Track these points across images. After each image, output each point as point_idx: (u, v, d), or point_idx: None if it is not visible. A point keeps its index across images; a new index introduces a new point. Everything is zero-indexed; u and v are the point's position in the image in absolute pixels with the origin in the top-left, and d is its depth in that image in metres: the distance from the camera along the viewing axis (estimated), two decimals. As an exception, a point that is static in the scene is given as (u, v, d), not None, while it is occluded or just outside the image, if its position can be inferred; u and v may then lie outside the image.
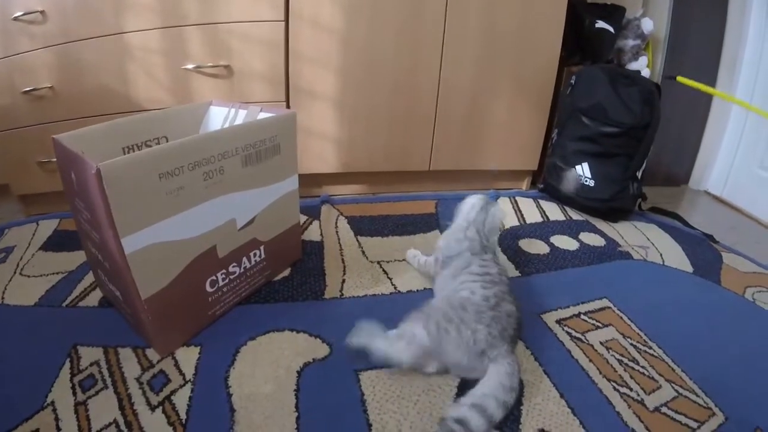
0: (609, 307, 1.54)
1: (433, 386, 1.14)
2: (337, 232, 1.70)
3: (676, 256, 1.96)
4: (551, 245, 1.85)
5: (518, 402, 1.13)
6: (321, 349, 1.21)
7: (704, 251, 2.04)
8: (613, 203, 2.08)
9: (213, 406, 1.03)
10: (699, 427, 1.14)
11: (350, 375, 1.15)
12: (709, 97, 2.65)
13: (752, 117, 2.52)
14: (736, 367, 1.38)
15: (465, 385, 1.14)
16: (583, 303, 1.54)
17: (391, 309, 1.38)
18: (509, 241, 1.85)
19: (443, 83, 2.01)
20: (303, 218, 1.74)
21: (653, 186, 2.66)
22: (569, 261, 1.77)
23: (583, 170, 2.09)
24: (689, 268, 1.87)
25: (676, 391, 1.26)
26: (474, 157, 2.22)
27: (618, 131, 2.00)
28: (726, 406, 1.21)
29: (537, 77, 2.15)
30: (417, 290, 1.48)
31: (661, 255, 1.94)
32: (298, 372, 1.14)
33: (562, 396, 1.17)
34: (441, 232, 1.81)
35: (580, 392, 1.18)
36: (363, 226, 1.78)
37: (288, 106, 1.84)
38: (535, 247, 1.83)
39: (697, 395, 1.27)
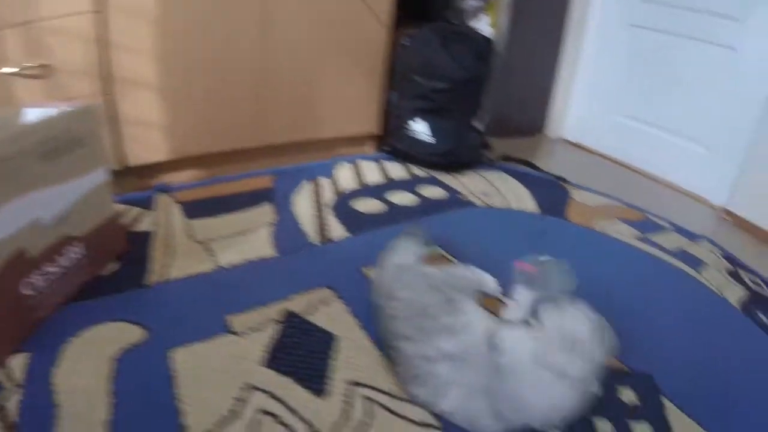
0: (441, 255, 1.60)
1: (243, 354, 1.16)
2: (168, 219, 1.68)
3: (520, 199, 2.06)
4: (388, 202, 1.89)
5: (326, 356, 1.17)
6: (137, 334, 1.20)
7: (553, 192, 2.16)
8: (453, 156, 2.16)
9: (39, 405, 1.00)
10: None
11: (162, 354, 1.15)
12: (557, 47, 2.76)
13: (603, 63, 2.66)
14: (582, 295, 1.41)
15: (276, 351, 1.18)
16: (411, 253, 1.59)
17: (214, 286, 1.39)
18: (341, 206, 1.87)
19: (268, 57, 2.01)
20: (135, 210, 1.71)
21: (508, 138, 2.75)
22: (405, 215, 1.82)
23: (422, 127, 2.15)
24: (535, 209, 1.98)
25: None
26: (309, 126, 2.23)
27: (448, 86, 2.07)
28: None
29: (368, 42, 2.19)
30: (239, 264, 1.49)
31: (505, 199, 2.03)
32: (115, 359, 1.13)
33: (375, 347, 1.21)
34: (277, 207, 1.83)
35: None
36: (195, 210, 1.76)
37: (112, 99, 1.80)
38: (369, 206, 1.87)
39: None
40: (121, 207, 1.68)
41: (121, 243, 1.52)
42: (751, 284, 1.68)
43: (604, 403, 1.11)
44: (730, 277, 1.69)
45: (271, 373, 1.12)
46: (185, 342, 1.19)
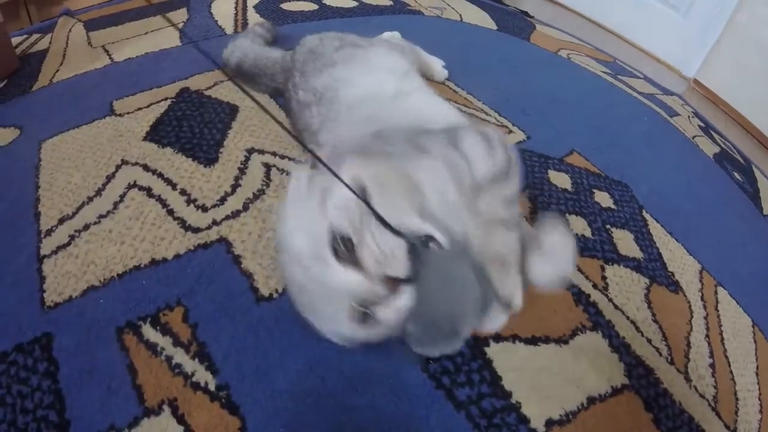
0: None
1: (122, 132, 0.99)
2: (68, 36, 1.44)
3: (478, 17, 1.81)
4: (321, 4, 1.62)
5: (223, 126, 1.00)
6: (9, 135, 1.04)
7: (516, 20, 1.92)
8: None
9: None
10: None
11: (34, 147, 0.98)
12: None
13: None
14: (542, 100, 1.33)
15: (163, 125, 1.00)
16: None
17: (104, 77, 1.20)
18: (268, 4, 1.59)
19: None
20: (34, 37, 1.46)
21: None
22: (337, 15, 1.58)
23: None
24: (493, 27, 1.75)
25: (459, 110, 1.13)
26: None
27: None
28: (529, 128, 1.18)
29: None
30: (135, 56, 1.27)
31: (459, 15, 1.79)
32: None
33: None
34: (192, 9, 1.55)
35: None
36: (99, 24, 1.50)
37: None
38: (299, 6, 1.60)
39: (488, 114, 1.20)
40: (18, 39, 1.45)
41: (9, 61, 1.29)
42: (721, 143, 1.60)
43: (578, 201, 1.02)
44: (701, 132, 1.60)
45: (152, 146, 0.96)
46: (61, 131, 1.01)
